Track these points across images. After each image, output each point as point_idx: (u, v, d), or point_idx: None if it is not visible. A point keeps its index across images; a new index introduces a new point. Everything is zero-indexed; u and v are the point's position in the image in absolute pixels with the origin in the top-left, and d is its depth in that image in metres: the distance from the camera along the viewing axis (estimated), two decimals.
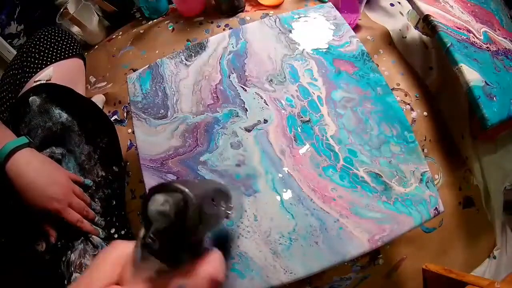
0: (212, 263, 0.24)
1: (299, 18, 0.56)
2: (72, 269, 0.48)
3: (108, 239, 0.52)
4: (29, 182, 0.46)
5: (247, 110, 0.48)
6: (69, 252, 0.49)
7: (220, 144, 0.46)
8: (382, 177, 0.43)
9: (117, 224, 0.54)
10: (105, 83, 0.71)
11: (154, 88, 0.52)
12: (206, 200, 0.24)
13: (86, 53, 0.76)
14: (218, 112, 0.48)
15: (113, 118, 0.66)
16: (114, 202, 0.55)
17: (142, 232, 0.23)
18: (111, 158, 0.57)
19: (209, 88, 0.51)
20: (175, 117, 0.49)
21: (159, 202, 0.22)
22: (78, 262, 0.48)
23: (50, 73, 0.61)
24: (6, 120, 0.57)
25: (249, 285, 0.38)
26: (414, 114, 0.62)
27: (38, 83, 0.59)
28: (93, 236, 0.51)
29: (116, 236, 0.53)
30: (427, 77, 0.66)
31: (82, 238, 0.50)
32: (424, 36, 0.68)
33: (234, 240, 0.38)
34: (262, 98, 0.49)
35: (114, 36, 0.78)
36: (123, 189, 0.56)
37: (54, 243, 0.49)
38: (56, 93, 0.57)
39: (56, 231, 0.50)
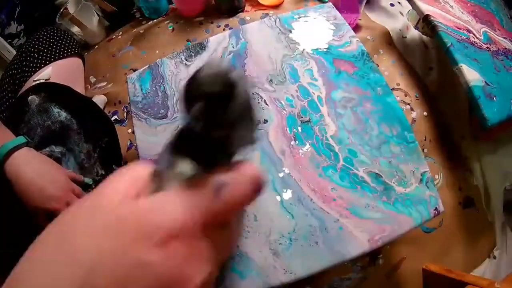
0: (252, 167, 0.19)
1: (299, 18, 0.56)
2: None
3: None
4: (27, 182, 0.46)
5: None
6: None
7: None
8: (382, 177, 0.43)
9: None
10: (105, 83, 0.71)
11: (154, 88, 0.52)
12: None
13: (86, 53, 0.76)
14: None
15: (113, 118, 0.66)
16: None
17: (175, 133, 0.20)
18: (111, 157, 0.57)
19: None
20: (175, 117, 0.49)
21: (210, 69, 0.18)
22: None
23: (49, 73, 0.61)
24: (5, 119, 0.57)
25: (249, 285, 0.38)
26: (414, 114, 0.62)
27: (37, 82, 0.59)
28: None
29: None
30: (427, 77, 0.66)
31: None
32: (424, 36, 0.68)
33: None
34: (262, 98, 0.49)
35: (114, 36, 0.78)
36: None
37: None
38: (55, 92, 0.57)
39: None
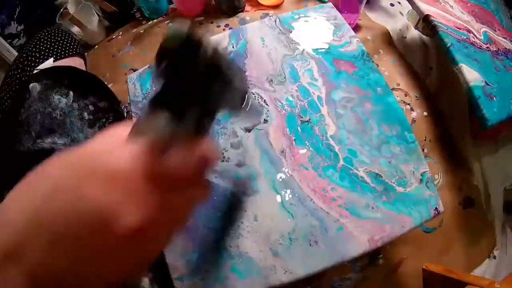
0: (209, 148, 0.22)
1: (299, 18, 0.56)
2: None
3: None
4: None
5: None
6: None
7: (220, 144, 0.46)
8: (382, 177, 0.43)
9: None
10: (105, 83, 0.71)
11: (154, 88, 0.52)
12: (223, 56, 0.22)
13: (86, 53, 0.76)
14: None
15: None
16: None
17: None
18: None
19: None
20: None
21: (180, 25, 0.20)
22: None
23: (51, 63, 0.60)
24: (8, 109, 0.56)
25: (249, 285, 0.38)
26: (414, 114, 0.62)
27: (38, 70, 0.58)
28: None
29: None
30: (427, 77, 0.66)
31: None
32: (424, 36, 0.68)
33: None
34: (262, 98, 0.49)
35: (114, 36, 0.78)
36: None
37: None
38: (56, 77, 0.55)
39: None
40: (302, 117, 0.47)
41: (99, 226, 0.18)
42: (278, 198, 0.42)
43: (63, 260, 0.18)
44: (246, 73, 0.24)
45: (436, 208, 0.42)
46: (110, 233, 0.18)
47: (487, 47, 0.57)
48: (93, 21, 0.77)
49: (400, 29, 0.70)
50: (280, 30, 0.54)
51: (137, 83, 0.53)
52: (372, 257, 0.55)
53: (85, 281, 0.19)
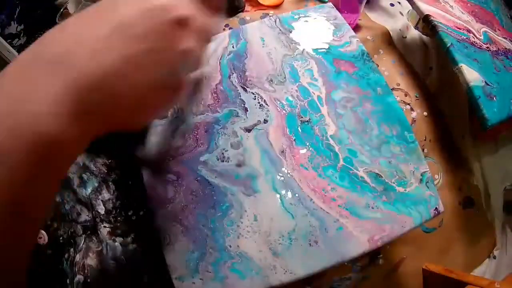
0: None
1: (299, 18, 0.56)
2: (76, 270, 0.47)
3: (125, 222, 0.50)
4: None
5: (247, 110, 0.48)
6: (72, 249, 0.48)
7: (220, 144, 0.46)
8: (382, 177, 0.43)
9: (135, 204, 0.51)
10: None
11: None
12: None
13: None
14: (218, 112, 0.48)
15: None
16: (130, 182, 0.52)
17: None
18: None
19: (209, 88, 0.51)
20: (175, 117, 0.49)
21: None
22: (81, 264, 0.48)
23: None
24: None
25: (249, 285, 0.38)
26: (414, 114, 0.62)
27: None
28: (100, 230, 0.49)
29: (134, 218, 0.51)
30: (427, 77, 0.66)
31: (85, 235, 0.49)
32: (424, 36, 0.68)
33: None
34: (262, 98, 0.49)
35: None
36: (139, 168, 0.49)
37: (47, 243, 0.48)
38: None
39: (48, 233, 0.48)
40: (302, 117, 0.47)
41: (157, 12, 0.22)
42: (278, 198, 0.42)
43: (115, 55, 0.21)
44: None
45: (436, 208, 0.42)
46: (165, 19, 0.22)
47: (487, 47, 0.57)
48: None
49: (400, 29, 0.70)
50: (280, 30, 0.54)
51: None
52: (372, 257, 0.55)
53: (132, 90, 0.22)
